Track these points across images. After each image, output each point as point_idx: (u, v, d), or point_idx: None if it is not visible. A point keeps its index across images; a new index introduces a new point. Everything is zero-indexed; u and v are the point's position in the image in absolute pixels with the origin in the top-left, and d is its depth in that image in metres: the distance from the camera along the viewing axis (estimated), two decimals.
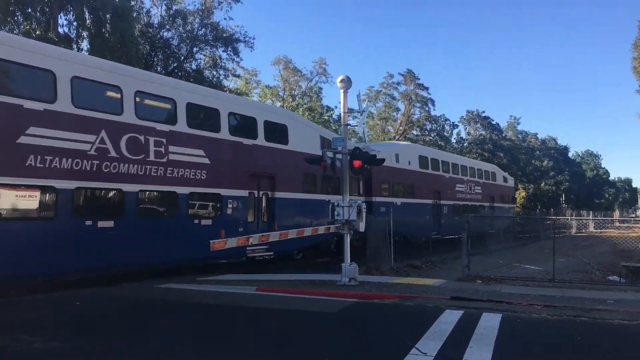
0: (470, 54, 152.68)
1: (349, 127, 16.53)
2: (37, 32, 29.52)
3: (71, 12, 32.32)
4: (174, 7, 41.81)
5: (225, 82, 48.13)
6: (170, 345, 8.68)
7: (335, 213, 15.68)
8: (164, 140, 16.36)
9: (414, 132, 75.12)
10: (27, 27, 29.99)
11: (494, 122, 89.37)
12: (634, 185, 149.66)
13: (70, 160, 13.98)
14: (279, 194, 20.61)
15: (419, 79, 70.68)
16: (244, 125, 19.67)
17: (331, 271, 17.15)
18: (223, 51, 44.51)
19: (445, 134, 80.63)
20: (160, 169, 16.22)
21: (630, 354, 8.68)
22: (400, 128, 71.27)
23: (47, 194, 13.69)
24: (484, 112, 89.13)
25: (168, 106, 17.03)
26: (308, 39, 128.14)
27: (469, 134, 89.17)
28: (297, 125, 22.09)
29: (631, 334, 9.78)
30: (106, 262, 14.88)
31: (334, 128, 56.15)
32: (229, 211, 18.44)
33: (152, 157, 15.97)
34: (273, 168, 20.29)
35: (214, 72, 45.11)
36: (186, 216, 17.06)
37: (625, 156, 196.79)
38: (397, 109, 73.18)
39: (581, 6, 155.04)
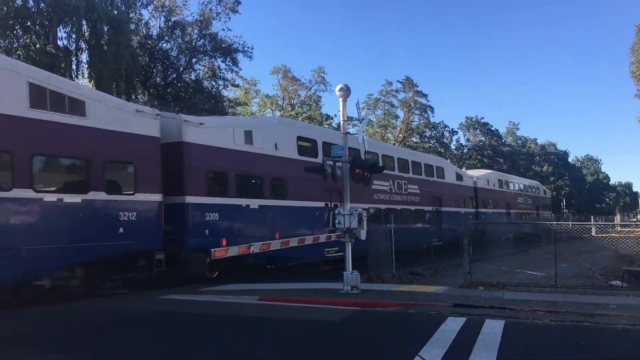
0: (469, 61, 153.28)
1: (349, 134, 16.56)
2: (37, 46, 29.60)
3: (69, 25, 32.43)
4: (173, 19, 41.94)
5: (225, 92, 48.31)
6: (170, 357, 8.65)
7: (337, 221, 15.67)
8: None
9: (414, 139, 75.24)
10: (27, 40, 30.06)
11: (493, 128, 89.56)
12: (634, 189, 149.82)
13: None
14: None
15: (417, 86, 70.94)
16: None
17: (333, 279, 17.12)
18: (222, 61, 44.64)
19: (444, 140, 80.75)
20: None
21: (635, 358, 8.66)
22: (400, 135, 71.37)
23: None
24: (483, 118, 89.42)
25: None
26: (306, 48, 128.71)
27: (468, 140, 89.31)
28: None
29: (635, 339, 9.76)
30: None
31: None
32: None
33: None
34: None
35: (213, 83, 45.23)
36: None
37: (625, 160, 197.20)
38: (397, 117, 73.38)
39: (580, 11, 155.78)
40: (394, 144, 67.69)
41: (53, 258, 13.40)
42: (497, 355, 8.20)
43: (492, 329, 10.05)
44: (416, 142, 75.01)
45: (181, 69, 42.88)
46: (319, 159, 21.39)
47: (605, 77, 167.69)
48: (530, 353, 8.82)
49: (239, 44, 44.65)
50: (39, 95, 13.35)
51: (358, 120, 17.09)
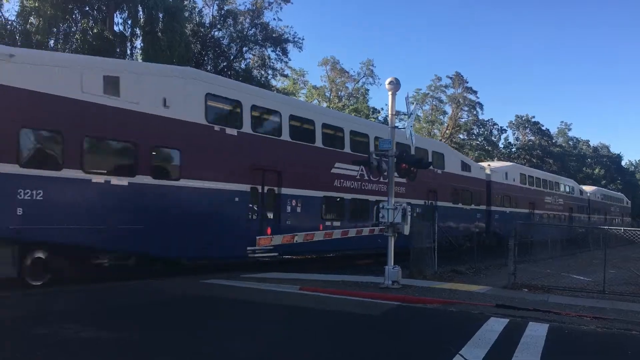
0: (522, 58, 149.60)
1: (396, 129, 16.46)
2: (94, 30, 30.45)
3: (126, 11, 33.22)
4: (226, 7, 42.48)
5: (273, 82, 48.66)
6: (210, 340, 8.82)
7: (380, 215, 15.63)
8: None
9: (461, 135, 74.20)
10: (85, 24, 30.95)
11: (544, 128, 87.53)
12: None
13: None
14: None
15: (467, 82, 69.85)
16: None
17: (372, 273, 17.09)
18: (272, 51, 45.02)
19: (492, 138, 79.35)
20: None
21: None
22: (447, 132, 70.50)
23: None
24: (534, 117, 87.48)
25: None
26: (356, 40, 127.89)
27: (517, 139, 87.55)
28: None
29: None
30: None
31: None
32: None
33: None
34: None
35: (262, 72, 45.62)
36: None
37: None
38: (445, 112, 72.48)
39: None
40: (441, 140, 66.99)
41: None
42: (540, 359, 8.05)
43: (536, 332, 9.86)
44: (463, 139, 73.97)
45: (232, 57, 43.37)
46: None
47: None
48: (574, 358, 8.62)
49: (289, 34, 45.01)
50: None
51: (406, 114, 16.89)
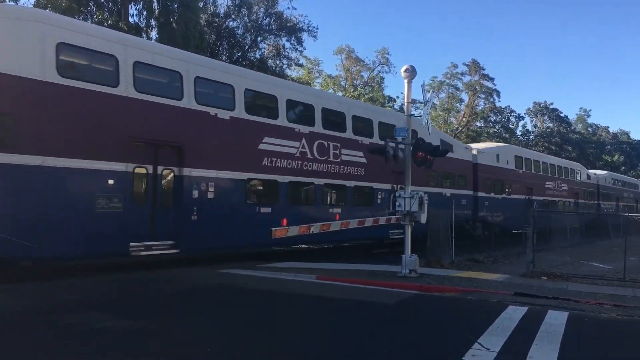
0: (540, 44, 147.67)
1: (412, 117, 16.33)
2: (109, 22, 30.57)
3: (141, 2, 33.32)
4: None
5: (288, 72, 48.58)
6: (227, 328, 8.87)
7: (397, 204, 15.56)
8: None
9: (478, 123, 73.57)
10: (100, 16, 31.09)
11: (562, 115, 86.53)
12: None
13: None
14: None
15: (484, 69, 68.96)
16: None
17: (389, 262, 17.06)
18: (287, 40, 44.95)
19: (510, 126, 78.62)
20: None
21: None
22: (464, 120, 69.93)
23: None
24: (552, 104, 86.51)
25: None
26: (371, 28, 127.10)
27: (535, 126, 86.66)
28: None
29: None
30: None
31: None
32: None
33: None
34: None
35: (277, 62, 45.58)
36: None
37: None
38: (461, 100, 71.76)
39: None
40: (457, 129, 66.45)
41: None
42: (559, 347, 7.97)
43: (555, 320, 9.78)
44: (480, 127, 73.33)
45: (246, 47, 43.35)
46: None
47: None
48: (594, 346, 8.54)
49: (304, 23, 44.88)
50: None
51: (422, 102, 16.73)
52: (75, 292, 11.66)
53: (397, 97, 65.23)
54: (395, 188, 21.31)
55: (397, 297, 12.20)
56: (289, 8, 44.29)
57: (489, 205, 30.85)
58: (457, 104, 71.61)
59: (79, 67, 13.99)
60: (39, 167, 12.52)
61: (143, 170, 14.73)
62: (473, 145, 34.44)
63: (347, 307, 11.11)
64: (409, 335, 8.79)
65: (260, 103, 18.36)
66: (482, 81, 69.62)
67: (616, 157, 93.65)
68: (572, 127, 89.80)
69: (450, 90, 70.89)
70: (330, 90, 59.72)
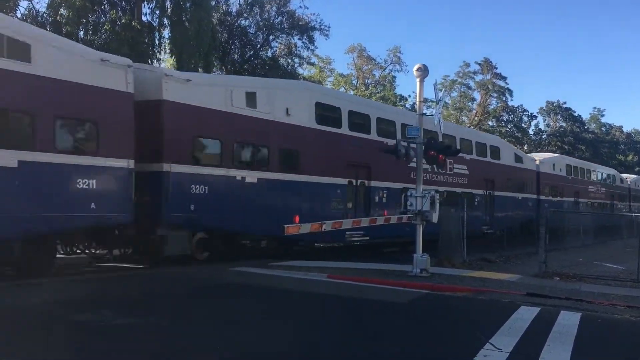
0: (553, 43, 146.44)
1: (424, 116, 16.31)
2: (122, 21, 30.71)
3: (154, 1, 33.43)
4: None
5: (300, 70, 48.58)
6: (236, 326, 8.91)
7: (408, 203, 15.52)
8: None
9: (490, 122, 73.13)
10: (113, 15, 31.23)
11: (575, 114, 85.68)
12: None
13: None
14: None
15: (496, 68, 68.40)
16: None
17: (400, 262, 17.03)
18: (298, 39, 44.92)
19: (523, 125, 78.08)
20: None
21: None
22: (476, 119, 69.54)
23: None
24: (565, 103, 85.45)
25: None
26: (382, 27, 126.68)
27: (548, 125, 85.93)
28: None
29: None
30: None
31: None
32: None
33: None
34: None
35: (289, 60, 45.58)
36: None
37: None
38: (473, 99, 71.33)
39: None
40: (469, 127, 66.16)
41: None
42: (572, 348, 7.92)
43: (568, 321, 9.72)
44: (492, 126, 72.88)
45: (258, 45, 43.39)
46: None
47: None
48: (607, 347, 8.48)
49: (316, 22, 44.82)
50: None
51: (434, 101, 16.70)
52: (83, 289, 11.73)
53: (409, 95, 64.99)
54: (486, 193, 29.39)
55: (408, 296, 12.17)
56: (300, 7, 44.24)
57: (547, 207, 34.56)
58: (469, 103, 71.29)
59: None
60: None
61: None
62: (534, 156, 40.61)
63: (358, 306, 11.11)
64: (420, 335, 8.78)
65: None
66: (494, 80, 69.14)
67: (630, 156, 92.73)
68: (586, 127, 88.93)
69: (462, 89, 70.55)
70: (342, 89, 59.59)
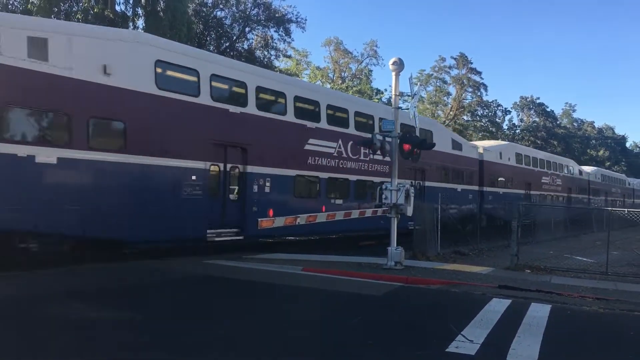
0: (527, 39, 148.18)
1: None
2: (95, 10, 30.20)
3: None
4: None
5: (276, 63, 48.39)
6: (210, 318, 8.88)
7: (383, 196, 15.59)
8: None
9: (465, 117, 73.81)
10: (86, 4, 30.68)
11: (548, 109, 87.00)
12: None
13: None
14: None
15: (471, 63, 69.10)
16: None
17: (376, 254, 17.11)
18: (275, 31, 44.75)
19: (497, 120, 78.98)
20: None
21: None
22: (451, 113, 70.11)
23: None
24: (538, 98, 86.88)
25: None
26: (359, 21, 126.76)
27: (521, 120, 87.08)
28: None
29: None
30: None
31: None
32: None
33: None
34: None
35: (265, 53, 45.38)
36: None
37: None
38: (448, 94, 71.90)
39: None
40: (445, 122, 66.63)
41: None
42: (542, 339, 8.05)
43: (538, 313, 9.88)
44: (467, 121, 73.58)
45: (234, 37, 43.10)
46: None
47: None
48: (576, 339, 8.64)
49: (292, 14, 44.72)
50: None
51: (410, 95, 16.74)
52: (60, 281, 11.56)
53: (385, 89, 65.30)
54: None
55: (382, 289, 12.24)
56: None
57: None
58: (445, 98, 71.84)
59: None
60: None
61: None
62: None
63: (332, 299, 11.14)
64: (394, 327, 8.83)
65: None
66: (469, 75, 69.81)
67: (601, 152, 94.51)
68: (558, 122, 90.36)
69: (437, 83, 71.07)
70: (319, 82, 59.53)
